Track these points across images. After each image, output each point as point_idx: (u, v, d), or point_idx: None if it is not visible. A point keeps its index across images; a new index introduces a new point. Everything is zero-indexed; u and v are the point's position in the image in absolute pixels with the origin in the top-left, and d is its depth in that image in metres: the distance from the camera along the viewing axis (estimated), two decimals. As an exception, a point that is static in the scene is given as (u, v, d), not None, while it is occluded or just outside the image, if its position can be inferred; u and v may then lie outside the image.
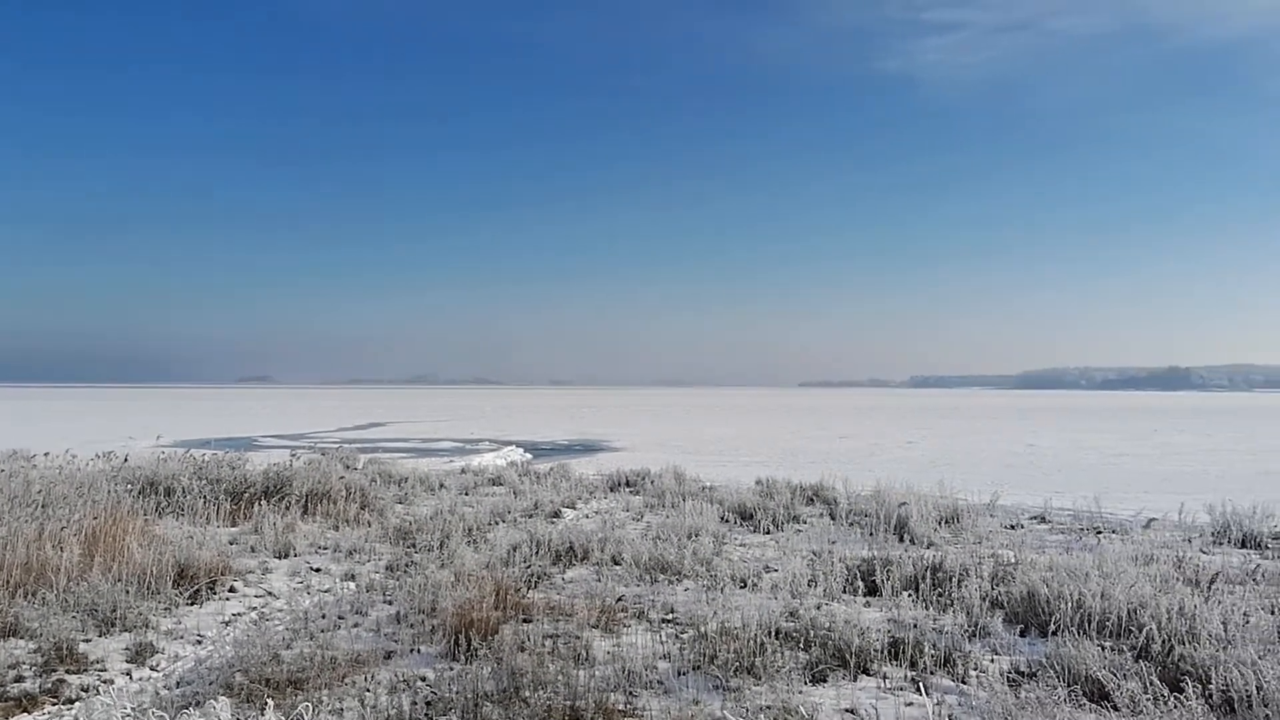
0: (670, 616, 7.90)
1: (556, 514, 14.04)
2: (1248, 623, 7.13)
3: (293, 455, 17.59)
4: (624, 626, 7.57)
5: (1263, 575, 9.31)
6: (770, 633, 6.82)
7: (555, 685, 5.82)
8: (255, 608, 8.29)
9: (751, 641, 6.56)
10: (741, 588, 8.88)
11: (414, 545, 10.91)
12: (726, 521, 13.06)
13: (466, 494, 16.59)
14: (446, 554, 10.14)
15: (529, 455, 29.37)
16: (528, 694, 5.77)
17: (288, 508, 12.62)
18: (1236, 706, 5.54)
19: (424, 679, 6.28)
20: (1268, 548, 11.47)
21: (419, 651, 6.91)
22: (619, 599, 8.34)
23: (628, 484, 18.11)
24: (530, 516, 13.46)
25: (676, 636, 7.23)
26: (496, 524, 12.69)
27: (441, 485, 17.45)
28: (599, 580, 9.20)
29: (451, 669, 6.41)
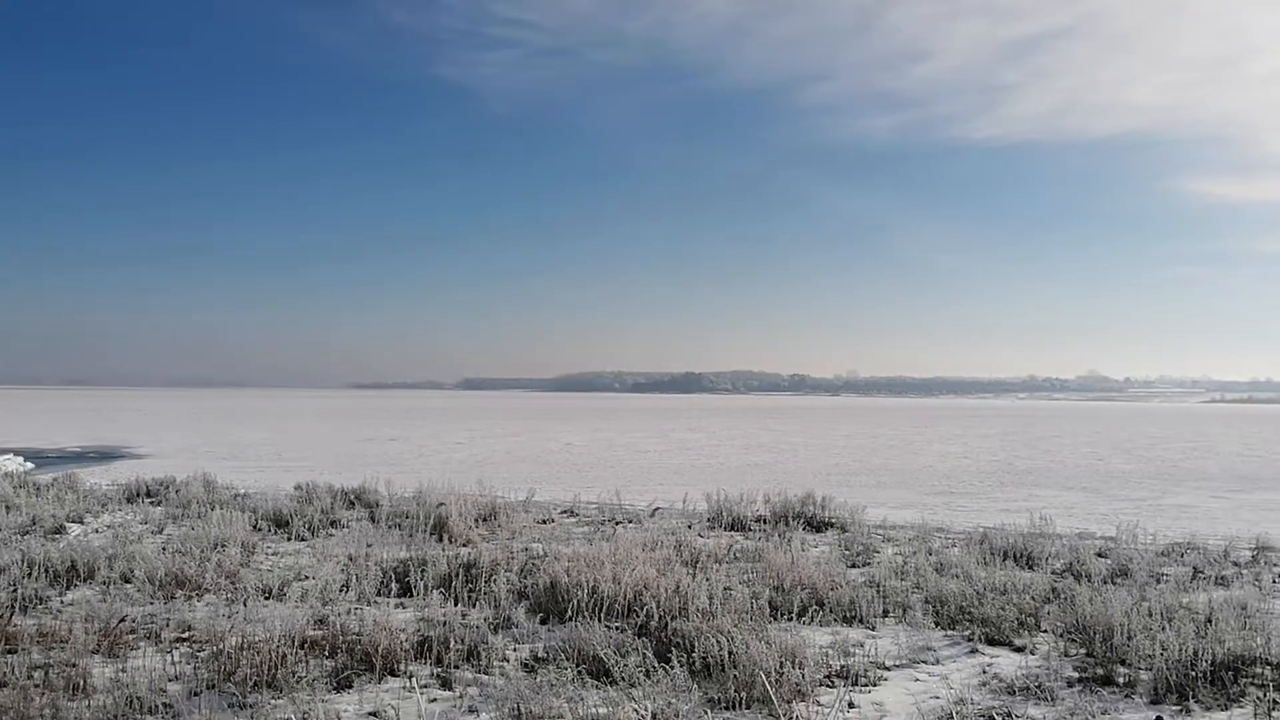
0: (186, 634, 7.42)
1: (59, 529, 12.51)
2: (728, 595, 8.23)
3: None
4: (132, 649, 6.98)
5: (740, 553, 10.82)
6: (295, 643, 6.65)
7: (40, 722, 5.22)
8: None
9: (274, 654, 6.36)
10: (269, 598, 8.56)
11: None
12: (260, 530, 12.46)
13: (-59, 512, 14.17)
14: (-93, 584, 8.63)
15: (30, 464, 25.73)
16: (5, 736, 5.13)
17: None
18: (713, 671, 6.37)
19: None
20: (750, 529, 13.32)
21: None
22: (122, 619, 7.65)
23: (149, 494, 16.59)
24: (25, 534, 11.86)
25: (193, 655, 6.82)
26: (-21, 545, 11.00)
27: (-94, 503, 14.73)
28: (105, 600, 8.37)
29: (-95, 718, 5.49)
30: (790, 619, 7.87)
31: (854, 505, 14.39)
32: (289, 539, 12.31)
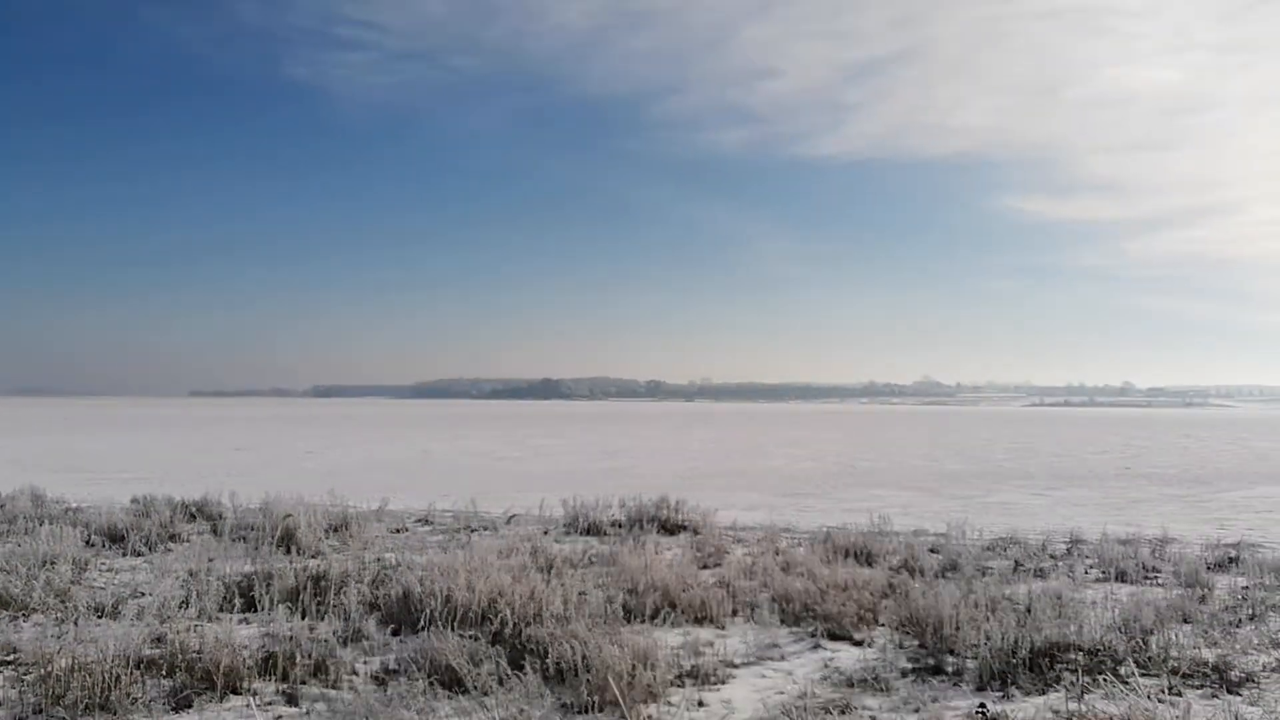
0: (12, 657, 7.02)
1: None
2: (583, 600, 8.31)
3: None
4: (-51, 677, 6.55)
5: (595, 558, 10.96)
6: (130, 662, 6.38)
7: None
8: None
9: (107, 674, 6.10)
10: (102, 617, 8.16)
11: None
12: (93, 545, 11.84)
13: None
14: None
15: None
16: None
17: None
18: (566, 676, 6.44)
19: None
20: (606, 534, 13.48)
21: None
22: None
23: (-33, 510, 15.48)
24: None
25: (19, 679, 6.46)
26: None
27: None
28: (-81, 626, 7.82)
29: None
30: (643, 621, 8.03)
31: (706, 508, 14.73)
32: (125, 554, 11.74)
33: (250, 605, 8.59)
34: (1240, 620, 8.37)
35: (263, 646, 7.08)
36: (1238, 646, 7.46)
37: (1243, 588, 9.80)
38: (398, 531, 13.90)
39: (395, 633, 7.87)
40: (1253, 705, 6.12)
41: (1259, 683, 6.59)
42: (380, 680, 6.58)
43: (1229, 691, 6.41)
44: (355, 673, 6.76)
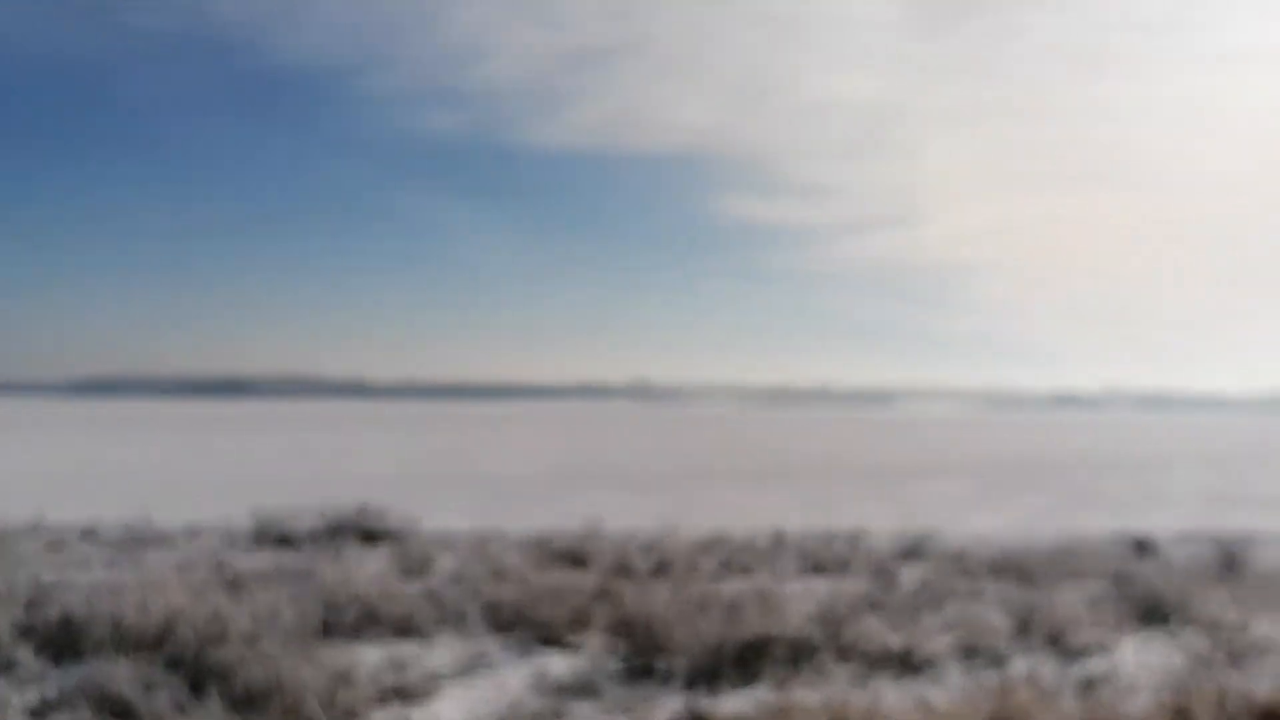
0: None
1: None
2: (275, 618, 7.66)
3: None
4: None
5: (288, 571, 10.24)
6: None
7: None
8: None
9: None
10: None
11: None
12: None
13: None
14: None
15: None
16: None
17: None
18: (257, 700, 5.88)
19: None
20: (301, 545, 12.69)
21: None
22: None
23: None
24: None
25: None
26: None
27: None
28: None
29: None
30: (344, 637, 7.57)
31: (412, 515, 14.25)
32: None
33: None
34: (922, 607, 9.10)
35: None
36: (920, 632, 8.08)
37: (924, 578, 10.70)
38: (56, 548, 12.37)
39: (56, 661, 6.94)
40: (935, 685, 6.64)
41: (939, 665, 7.18)
42: (39, 714, 5.85)
43: (914, 674, 6.92)
44: (9, 706, 5.89)
